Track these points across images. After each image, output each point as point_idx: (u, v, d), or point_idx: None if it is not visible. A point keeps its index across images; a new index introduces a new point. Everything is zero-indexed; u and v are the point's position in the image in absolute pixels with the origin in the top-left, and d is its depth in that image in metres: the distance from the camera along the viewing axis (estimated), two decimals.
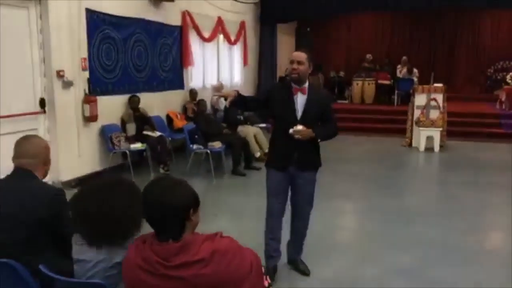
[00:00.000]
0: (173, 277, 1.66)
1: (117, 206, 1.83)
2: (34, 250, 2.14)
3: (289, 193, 3.56)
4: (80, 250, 1.92)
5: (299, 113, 3.34)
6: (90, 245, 1.86)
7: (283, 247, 3.68)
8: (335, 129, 3.58)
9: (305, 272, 3.65)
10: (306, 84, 3.37)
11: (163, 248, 1.70)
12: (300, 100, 3.35)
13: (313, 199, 3.58)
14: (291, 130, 3.25)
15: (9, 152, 2.35)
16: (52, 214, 2.17)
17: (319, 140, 3.43)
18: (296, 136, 3.25)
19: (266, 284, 1.95)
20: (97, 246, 1.85)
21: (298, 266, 3.70)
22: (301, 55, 3.32)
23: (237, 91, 3.36)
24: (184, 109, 8.52)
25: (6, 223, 2.13)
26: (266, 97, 3.52)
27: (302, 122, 3.30)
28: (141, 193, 1.81)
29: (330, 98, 3.85)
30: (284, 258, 3.71)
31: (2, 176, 2.35)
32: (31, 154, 2.29)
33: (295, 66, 3.29)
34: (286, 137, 3.29)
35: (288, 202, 3.59)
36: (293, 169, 3.42)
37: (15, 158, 2.31)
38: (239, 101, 3.33)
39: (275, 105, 3.42)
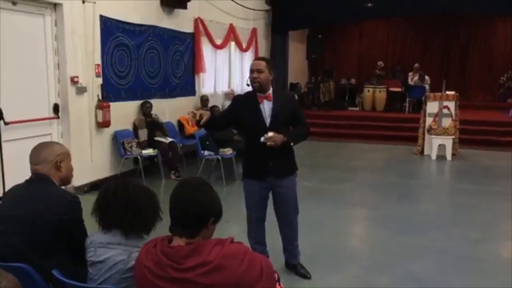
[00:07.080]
0: (183, 280, 1.67)
1: (153, 201, 2.09)
2: (47, 254, 2.15)
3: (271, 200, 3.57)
4: (98, 252, 1.96)
5: (267, 120, 3.36)
6: (125, 233, 1.98)
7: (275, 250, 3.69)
8: (307, 129, 3.58)
9: (306, 276, 3.64)
10: (270, 91, 3.40)
11: (174, 251, 1.72)
12: (267, 107, 3.37)
13: (297, 205, 3.60)
14: (262, 138, 3.25)
15: (23, 157, 2.37)
16: (66, 219, 2.17)
17: (292, 144, 3.43)
18: (269, 143, 3.25)
19: None
20: (129, 233, 1.99)
21: (298, 270, 3.69)
22: (260, 63, 3.35)
23: (210, 113, 3.41)
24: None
25: (20, 226, 2.15)
26: (231, 112, 3.57)
27: (272, 128, 3.31)
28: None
29: (295, 99, 3.83)
30: (282, 262, 3.73)
31: (19, 181, 2.37)
32: (41, 159, 2.30)
33: (255, 75, 3.32)
34: (259, 146, 3.29)
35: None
36: (272, 179, 3.43)
37: (30, 164, 2.33)
38: (210, 123, 3.37)
39: (243, 117, 3.43)
